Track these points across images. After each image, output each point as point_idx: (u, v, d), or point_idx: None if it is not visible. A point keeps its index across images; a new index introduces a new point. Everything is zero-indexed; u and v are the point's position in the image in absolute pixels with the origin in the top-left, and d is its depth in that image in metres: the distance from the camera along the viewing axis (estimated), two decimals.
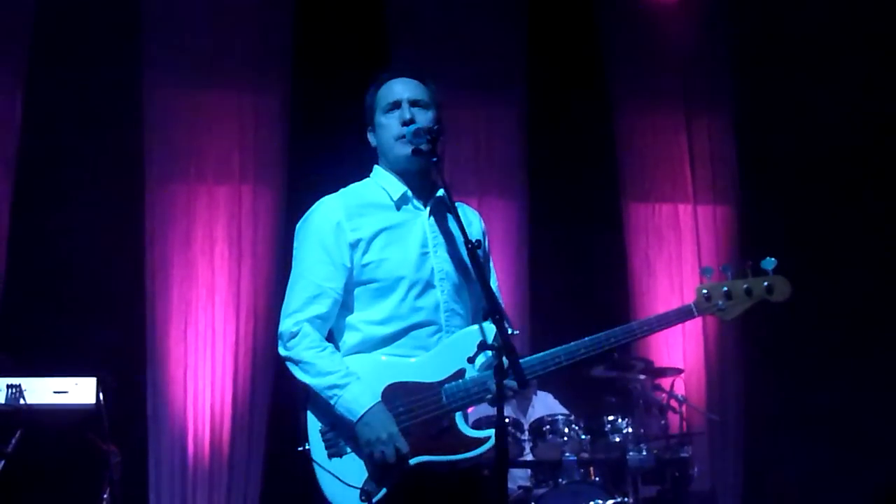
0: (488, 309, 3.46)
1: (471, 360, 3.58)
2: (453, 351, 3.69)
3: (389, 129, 3.84)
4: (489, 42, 8.83)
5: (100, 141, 7.80)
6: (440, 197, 3.84)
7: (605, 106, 9.18)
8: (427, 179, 3.89)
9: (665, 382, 7.51)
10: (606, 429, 6.97)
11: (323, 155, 8.12)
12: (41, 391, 5.61)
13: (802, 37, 8.88)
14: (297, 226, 3.99)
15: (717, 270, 3.96)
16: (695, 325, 8.96)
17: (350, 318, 3.81)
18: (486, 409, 6.99)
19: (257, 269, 8.15)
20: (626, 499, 6.62)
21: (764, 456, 8.79)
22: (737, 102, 9.35)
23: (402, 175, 3.87)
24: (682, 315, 3.85)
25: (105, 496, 5.90)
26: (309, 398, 3.77)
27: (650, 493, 7.19)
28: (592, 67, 9.13)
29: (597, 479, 6.91)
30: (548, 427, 6.83)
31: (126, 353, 7.69)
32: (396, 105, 3.84)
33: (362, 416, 3.60)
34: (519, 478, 7.02)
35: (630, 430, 6.94)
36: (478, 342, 3.55)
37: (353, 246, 3.79)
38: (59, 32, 7.83)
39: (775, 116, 8.98)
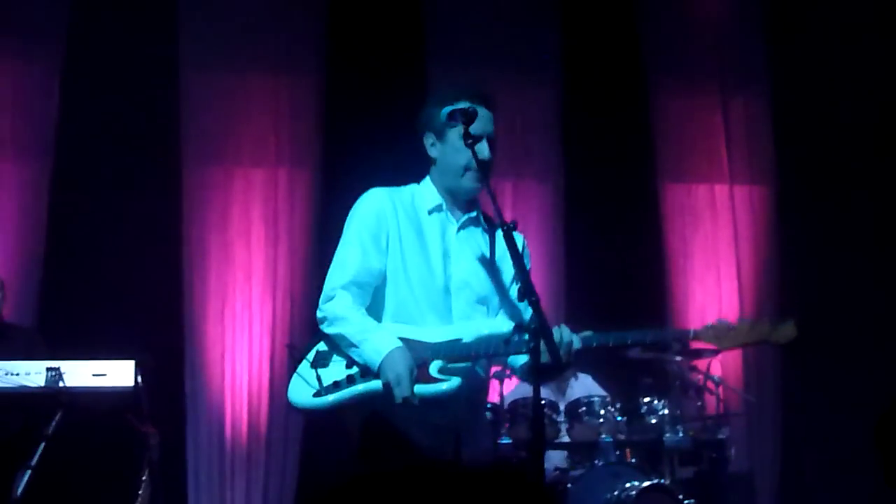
0: (525, 292, 3.53)
1: (507, 342, 3.84)
2: (459, 328, 3.91)
3: (462, 157, 3.98)
4: (525, 24, 8.79)
5: (137, 125, 7.84)
6: (475, 216, 4.07)
7: (641, 87, 9.12)
8: (469, 200, 4.09)
9: (701, 364, 7.48)
10: (643, 410, 6.97)
11: (358, 137, 8.15)
12: (80, 374, 5.64)
13: (838, 12, 8.78)
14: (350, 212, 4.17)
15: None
16: (731, 305, 8.93)
17: (371, 304, 4.03)
18: (522, 392, 7.06)
19: (294, 251, 8.18)
20: (662, 480, 6.60)
21: (801, 437, 8.75)
22: (773, 81, 9.26)
23: (452, 194, 4.06)
24: (681, 336, 4.07)
25: (144, 477, 5.94)
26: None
27: (687, 474, 7.18)
28: (627, 49, 9.07)
29: (633, 460, 6.90)
30: (584, 408, 6.83)
31: (164, 334, 7.76)
32: (478, 139, 3.91)
33: (386, 355, 3.80)
34: (555, 459, 7.03)
35: (666, 411, 6.93)
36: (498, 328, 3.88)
37: (387, 240, 3.98)
38: (96, 17, 7.88)
39: (812, 94, 8.89)
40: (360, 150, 8.21)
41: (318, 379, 3.94)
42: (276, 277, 8.12)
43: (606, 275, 8.47)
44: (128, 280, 7.59)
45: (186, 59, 8.18)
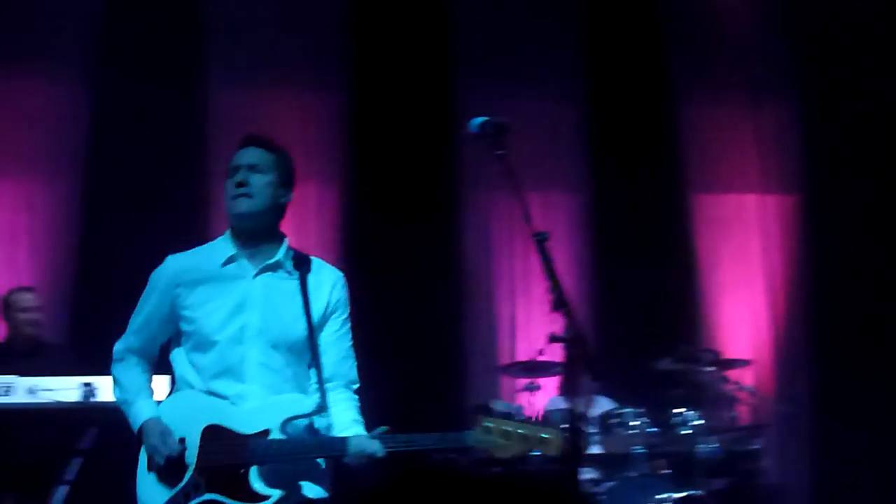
0: (557, 300, 3.48)
1: (285, 423, 3.77)
2: (270, 411, 3.79)
3: (227, 191, 3.97)
4: (550, 37, 8.79)
5: (165, 141, 7.88)
6: (277, 261, 3.97)
7: (668, 97, 9.09)
8: (266, 240, 4.00)
9: (733, 374, 7.45)
10: (675, 421, 6.92)
11: (384, 151, 8.17)
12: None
13: (866, 19, 8.74)
14: None
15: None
16: (761, 316, 8.89)
17: (177, 354, 4.03)
18: (555, 403, 7.04)
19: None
20: (696, 491, 6.56)
21: (835, 447, 8.68)
22: (802, 89, 9.21)
23: (238, 236, 4.01)
24: (457, 441, 3.83)
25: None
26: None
27: (720, 485, 7.13)
28: (654, 58, 9.05)
29: (665, 471, 6.86)
30: (616, 420, 6.80)
31: None
32: (235, 170, 3.96)
33: (141, 426, 3.91)
34: (586, 471, 6.99)
35: (699, 422, 6.89)
36: (294, 411, 3.81)
37: (176, 298, 4.00)
38: (124, 36, 7.93)
39: (843, 102, 8.84)
40: (386, 164, 8.23)
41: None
42: None
43: (636, 287, 8.44)
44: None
45: (213, 76, 8.22)
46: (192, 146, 8.09)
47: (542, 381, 7.32)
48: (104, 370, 5.72)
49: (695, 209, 9.05)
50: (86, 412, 5.64)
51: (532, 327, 8.20)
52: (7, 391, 5.58)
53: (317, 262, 4.09)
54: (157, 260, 7.35)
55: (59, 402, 5.59)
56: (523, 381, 7.38)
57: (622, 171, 8.65)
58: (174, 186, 7.91)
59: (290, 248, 4.02)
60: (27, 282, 7.29)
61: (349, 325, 4.06)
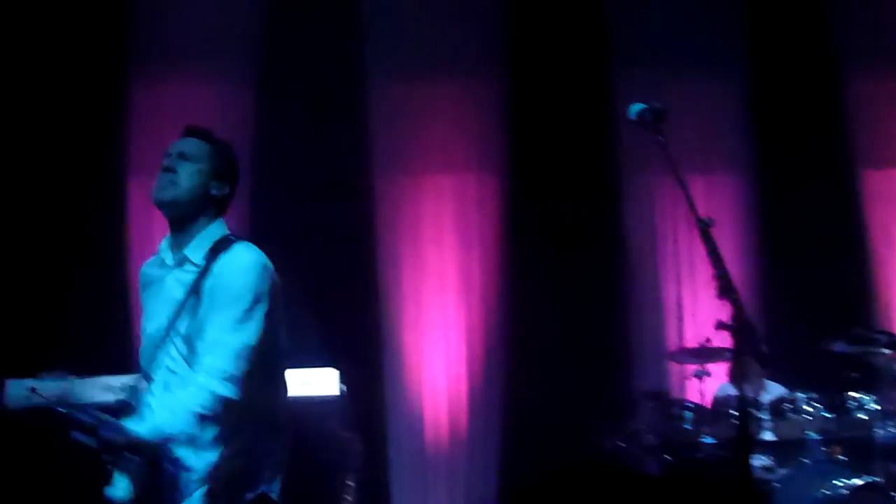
0: (724, 287, 3.41)
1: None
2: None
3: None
4: (710, 16, 8.61)
5: (327, 138, 8.02)
6: (184, 256, 3.77)
7: (833, 71, 8.81)
8: (189, 232, 3.81)
9: None
10: (850, 406, 6.73)
11: (544, 140, 8.15)
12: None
13: None
14: None
15: None
16: None
17: None
18: (726, 390, 6.94)
19: (485, 257, 8.23)
20: (875, 478, 6.37)
21: None
22: None
23: (170, 225, 3.85)
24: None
25: (350, 483, 6.05)
26: None
27: None
28: (816, 33, 8.78)
29: (842, 458, 6.68)
30: (788, 405, 6.65)
31: (361, 342, 7.90)
32: (166, 157, 3.83)
33: None
34: (758, 457, 6.86)
35: (876, 406, 6.68)
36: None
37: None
38: (286, 35, 8.11)
39: None
40: (546, 153, 8.20)
41: None
42: (470, 283, 8.18)
43: (804, 267, 8.23)
44: (323, 290, 7.75)
45: (374, 70, 8.32)
46: (353, 141, 8.20)
47: (711, 367, 7.21)
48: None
49: (865, 186, 8.75)
50: None
51: (699, 313, 8.07)
52: None
53: (232, 251, 3.77)
54: (321, 255, 7.53)
55: None
56: (692, 368, 7.29)
57: (788, 150, 8.43)
58: (336, 181, 8.05)
59: (217, 240, 3.78)
60: None
61: (221, 314, 3.65)
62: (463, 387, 8.05)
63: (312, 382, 5.85)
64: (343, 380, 6.03)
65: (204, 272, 3.68)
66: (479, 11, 8.49)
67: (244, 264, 3.73)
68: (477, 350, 8.11)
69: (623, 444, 6.83)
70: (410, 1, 8.43)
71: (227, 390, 3.53)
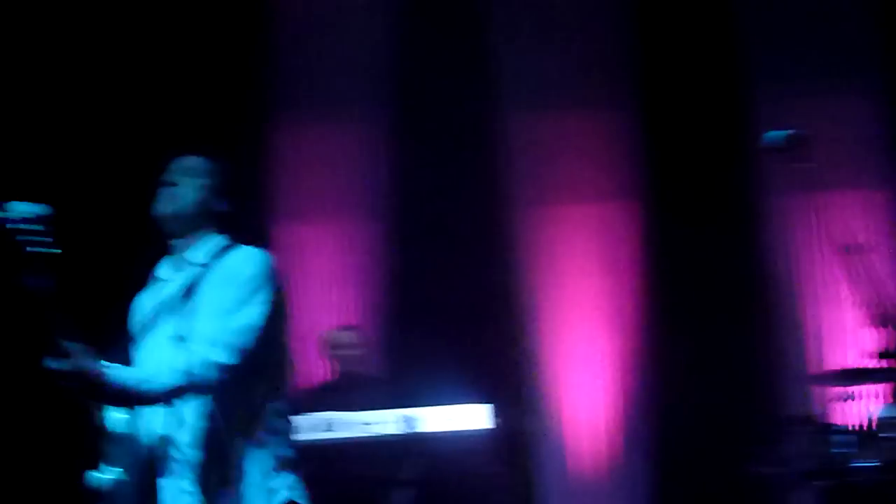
0: (883, 316, 3.30)
1: None
2: None
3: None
4: (844, 30, 8.44)
5: (462, 173, 8.09)
6: (189, 259, 3.75)
7: None
8: (190, 244, 3.78)
9: None
10: None
11: (681, 165, 8.08)
12: (435, 419, 5.84)
13: None
14: None
15: None
16: None
17: None
18: (891, 411, 6.73)
19: (627, 285, 8.17)
20: None
21: None
22: None
23: (170, 243, 3.83)
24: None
25: None
26: None
27: None
28: None
29: None
30: None
31: (506, 376, 7.91)
32: (167, 173, 3.85)
33: None
34: None
35: None
36: None
37: None
38: (419, 73, 8.23)
39: None
40: (684, 177, 8.13)
41: None
42: (613, 312, 8.14)
43: None
44: (467, 326, 7.82)
45: (507, 102, 8.37)
46: (491, 173, 8.26)
47: (857, 389, 7.02)
48: (423, 402, 5.97)
49: None
50: (407, 444, 5.82)
51: (841, 335, 7.88)
52: (330, 426, 5.85)
53: (238, 249, 3.74)
54: (463, 292, 7.59)
55: (381, 435, 5.81)
56: (836, 390, 7.11)
57: None
58: (473, 217, 8.10)
59: (222, 245, 3.75)
60: (347, 321, 7.65)
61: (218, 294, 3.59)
62: (611, 417, 7.99)
63: (463, 418, 5.88)
64: (496, 414, 6.06)
65: (206, 270, 3.64)
66: (608, 37, 8.47)
67: (250, 254, 3.69)
68: (624, 379, 8.05)
69: (774, 471, 6.68)
70: (539, 33, 8.46)
71: (223, 356, 3.46)
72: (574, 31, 8.49)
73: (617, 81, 8.41)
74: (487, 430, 5.99)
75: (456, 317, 7.85)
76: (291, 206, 8.32)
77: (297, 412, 5.90)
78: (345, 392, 6.77)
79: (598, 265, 8.24)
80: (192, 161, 3.86)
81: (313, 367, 7.51)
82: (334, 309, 8.10)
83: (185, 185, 3.77)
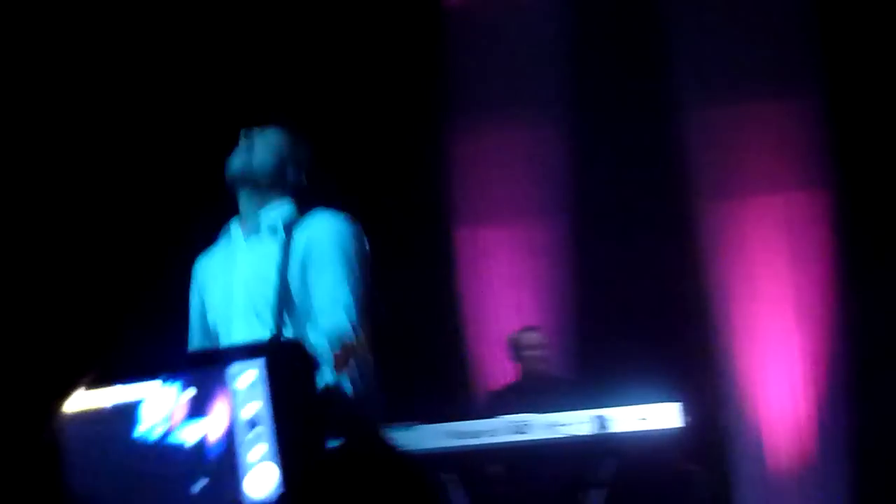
0: None
1: None
2: None
3: None
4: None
5: (644, 170, 8.03)
6: (259, 223, 3.61)
7: None
8: (261, 206, 3.66)
9: None
10: None
11: (870, 151, 7.86)
12: (626, 419, 5.83)
13: None
14: None
15: None
16: None
17: None
18: None
19: (818, 277, 7.99)
20: None
21: None
22: None
23: (240, 204, 3.71)
24: None
25: None
26: None
27: None
28: None
29: None
30: None
31: (695, 372, 7.82)
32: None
33: None
34: None
35: None
36: None
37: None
38: (596, 74, 8.20)
39: None
40: (873, 162, 7.91)
41: None
42: (805, 304, 7.97)
43: None
44: (655, 323, 7.77)
45: (686, 97, 8.29)
46: (675, 169, 8.19)
47: None
48: (614, 402, 5.96)
49: None
50: (600, 444, 5.83)
51: None
52: (524, 428, 5.89)
53: (317, 215, 3.60)
54: (651, 287, 7.57)
55: (573, 437, 5.82)
56: None
57: None
58: (656, 213, 8.04)
59: (294, 212, 3.61)
60: (533, 322, 7.67)
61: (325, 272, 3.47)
62: (807, 412, 7.83)
63: (654, 417, 5.86)
64: (685, 412, 6.01)
65: (289, 237, 3.51)
66: (791, 26, 8.29)
67: (337, 224, 3.57)
68: (819, 372, 7.88)
69: None
70: (719, 26, 8.34)
71: (355, 320, 3.37)
72: (755, 22, 8.34)
73: (801, 70, 8.23)
74: (678, 428, 5.95)
75: (643, 314, 7.81)
76: (473, 210, 8.41)
77: (491, 415, 6.06)
78: (534, 393, 6.81)
79: (787, 257, 8.08)
80: (273, 130, 3.78)
81: (500, 370, 7.60)
82: (520, 311, 8.15)
83: (262, 146, 3.70)
